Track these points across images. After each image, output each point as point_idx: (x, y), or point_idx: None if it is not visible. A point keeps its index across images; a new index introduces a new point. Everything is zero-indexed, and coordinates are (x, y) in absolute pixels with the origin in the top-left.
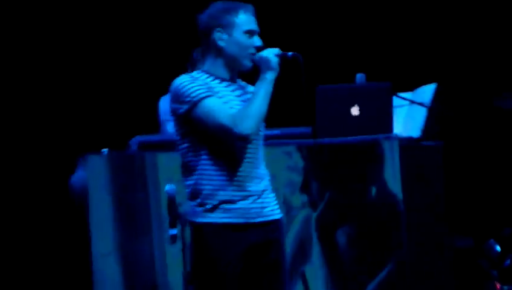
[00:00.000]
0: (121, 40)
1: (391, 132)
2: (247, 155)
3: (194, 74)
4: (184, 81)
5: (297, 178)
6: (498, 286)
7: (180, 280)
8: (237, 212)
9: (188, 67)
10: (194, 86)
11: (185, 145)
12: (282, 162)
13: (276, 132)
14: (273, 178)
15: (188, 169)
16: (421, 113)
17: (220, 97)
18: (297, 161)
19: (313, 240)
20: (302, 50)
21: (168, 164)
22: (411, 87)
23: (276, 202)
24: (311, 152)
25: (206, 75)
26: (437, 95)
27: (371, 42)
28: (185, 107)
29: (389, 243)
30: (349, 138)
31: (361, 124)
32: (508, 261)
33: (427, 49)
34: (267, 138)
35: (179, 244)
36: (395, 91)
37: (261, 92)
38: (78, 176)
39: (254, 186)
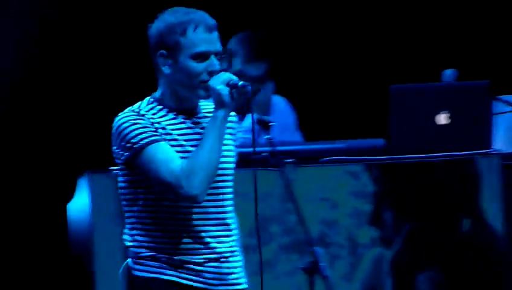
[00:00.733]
0: (122, 57)
1: (490, 147)
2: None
3: (143, 105)
4: (126, 121)
5: (366, 206)
6: None
7: None
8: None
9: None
10: (137, 128)
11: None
12: (345, 185)
13: (338, 145)
14: (334, 206)
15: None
16: None
17: (170, 140)
18: (366, 183)
19: (385, 287)
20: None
21: None
22: None
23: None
24: (383, 172)
25: (159, 107)
26: None
27: (460, 33)
28: (126, 154)
29: None
30: (435, 155)
31: (450, 136)
32: None
33: None
34: (326, 153)
35: None
36: (494, 93)
37: (210, 137)
38: (78, 201)
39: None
